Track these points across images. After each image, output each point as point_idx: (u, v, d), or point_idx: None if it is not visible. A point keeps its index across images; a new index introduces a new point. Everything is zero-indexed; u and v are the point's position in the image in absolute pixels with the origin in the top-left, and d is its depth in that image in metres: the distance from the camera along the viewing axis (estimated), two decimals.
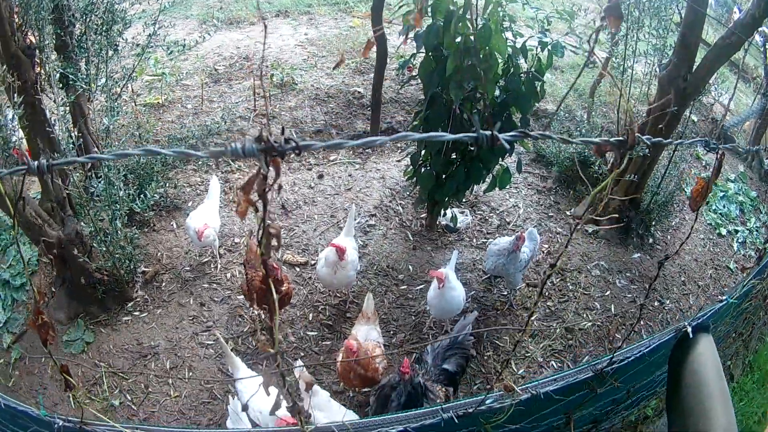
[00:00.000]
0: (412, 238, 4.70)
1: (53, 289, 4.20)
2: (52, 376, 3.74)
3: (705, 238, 5.71)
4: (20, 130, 3.62)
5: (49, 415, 1.80)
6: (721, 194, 6.29)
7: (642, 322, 4.50)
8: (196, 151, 0.99)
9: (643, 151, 4.50)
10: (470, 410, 1.86)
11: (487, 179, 4.19)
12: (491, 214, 5.05)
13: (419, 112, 4.13)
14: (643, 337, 4.27)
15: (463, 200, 4.68)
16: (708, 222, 5.84)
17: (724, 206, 6.17)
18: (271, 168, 0.81)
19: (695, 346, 2.00)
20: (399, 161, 5.24)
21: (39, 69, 3.62)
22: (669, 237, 5.34)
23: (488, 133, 1.01)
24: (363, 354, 3.21)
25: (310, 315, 4.11)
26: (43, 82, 3.73)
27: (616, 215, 4.95)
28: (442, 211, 4.53)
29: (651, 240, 5.17)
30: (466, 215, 4.92)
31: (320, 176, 5.16)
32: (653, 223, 5.16)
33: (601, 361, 2.04)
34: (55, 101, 3.79)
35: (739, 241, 5.81)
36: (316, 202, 4.95)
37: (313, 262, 4.39)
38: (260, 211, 0.84)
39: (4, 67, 3.19)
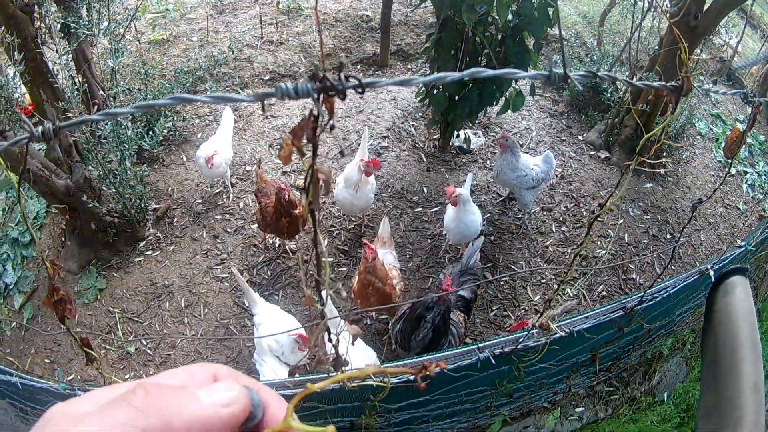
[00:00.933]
0: (425, 160, 4.66)
1: (63, 239, 4.18)
2: (66, 333, 3.75)
3: (715, 175, 5.70)
4: (23, 86, 3.55)
5: (69, 387, 1.82)
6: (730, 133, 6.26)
7: (656, 254, 4.50)
8: (227, 92, 0.90)
9: (654, 79, 4.45)
10: (507, 349, 1.87)
11: (500, 101, 4.15)
12: None
13: (431, 35, 4.07)
14: (655, 269, 4.28)
15: (476, 122, 4.64)
16: (718, 160, 5.82)
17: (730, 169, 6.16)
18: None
19: (732, 289, 1.95)
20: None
21: (39, 23, 3.55)
22: (680, 170, 5.33)
23: (561, 72, 0.95)
24: (381, 266, 3.17)
25: (325, 241, 4.09)
26: (43, 35, 3.67)
27: (628, 143, 4.93)
28: (455, 133, 4.49)
29: (663, 171, 5.16)
30: (479, 136, 4.89)
31: (332, 128, 5.05)
32: (664, 154, 5.14)
33: (631, 299, 2.07)
34: (57, 51, 3.72)
35: (748, 182, 5.80)
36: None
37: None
38: (308, 156, 0.76)
39: (2, 28, 3.13)
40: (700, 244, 4.85)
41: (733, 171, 5.88)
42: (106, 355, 3.70)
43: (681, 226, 4.82)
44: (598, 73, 1.15)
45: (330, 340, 1.22)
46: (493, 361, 1.83)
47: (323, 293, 1.04)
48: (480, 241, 3.54)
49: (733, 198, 5.56)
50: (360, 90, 0.73)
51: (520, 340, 1.88)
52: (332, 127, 0.74)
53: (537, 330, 1.87)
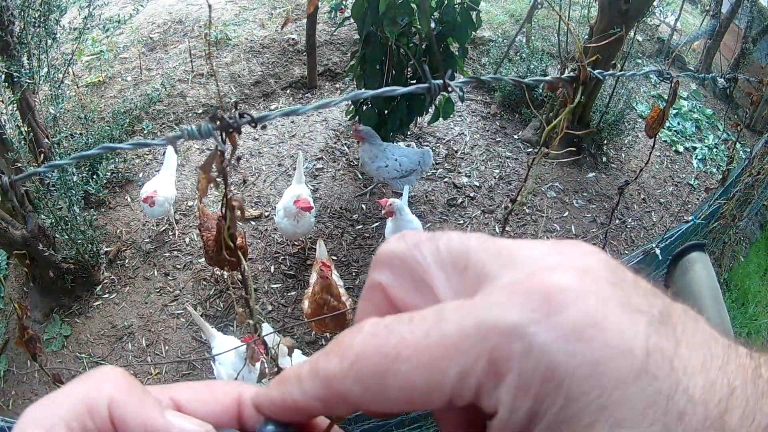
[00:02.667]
0: (361, 177, 4.70)
1: (25, 290, 4.17)
2: (40, 380, 3.71)
3: (662, 155, 5.78)
4: None
5: None
6: (674, 112, 6.34)
7: (605, 242, 4.56)
8: (149, 138, 0.99)
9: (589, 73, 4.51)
10: None
11: (429, 111, 4.19)
12: (438, 144, 5.05)
13: (356, 52, 4.11)
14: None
15: (408, 133, 4.68)
16: (663, 140, 5.90)
17: (678, 123, 6.23)
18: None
19: (691, 266, 1.92)
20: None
21: None
22: (623, 155, 5.40)
23: (439, 82, 1.01)
24: (334, 284, 3.19)
25: (272, 267, 4.12)
26: None
27: (566, 136, 4.98)
28: None
29: (605, 159, 5.22)
30: (413, 148, 4.90)
31: (263, 127, 5.11)
32: (605, 142, 5.20)
33: None
34: (2, 101, 3.76)
35: (698, 158, 5.88)
36: (262, 153, 4.93)
37: (266, 213, 4.39)
38: (221, 187, 0.86)
39: None
40: (652, 226, 4.91)
41: (680, 149, 5.97)
42: None
43: (625, 211, 4.89)
44: (482, 77, 1.20)
45: (268, 353, 1.27)
46: None
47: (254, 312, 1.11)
48: None
49: (684, 175, 5.64)
50: (254, 125, 0.83)
51: None
52: (239, 159, 0.84)
53: None
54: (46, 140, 4.16)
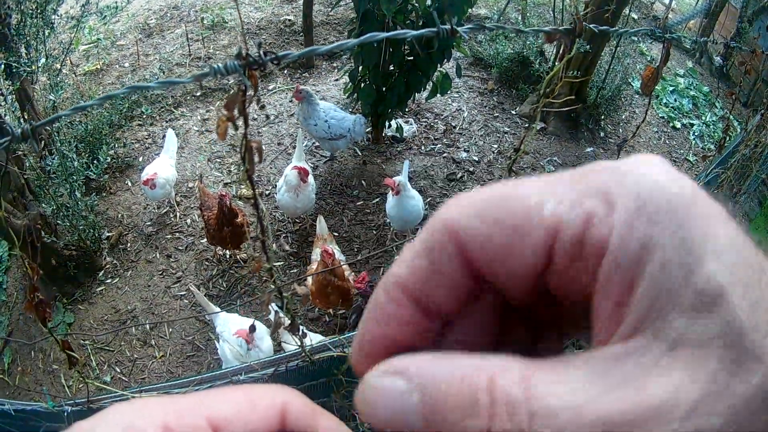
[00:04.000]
0: (361, 154, 4.73)
1: (27, 281, 4.20)
2: (44, 370, 3.74)
3: (659, 131, 5.79)
4: None
5: (57, 404, 1.84)
6: (671, 88, 6.36)
7: None
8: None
9: (584, 47, 4.53)
10: None
11: (427, 87, 4.22)
12: (436, 120, 5.08)
13: (352, 30, 4.12)
14: None
15: (406, 110, 4.71)
16: (660, 116, 5.91)
17: (675, 100, 6.25)
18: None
19: None
20: (337, 80, 5.24)
21: None
22: (620, 130, 5.42)
23: (447, 27, 1.05)
24: (338, 264, 3.20)
25: (273, 245, 4.13)
26: None
27: (564, 110, 5.00)
28: (387, 123, 4.55)
29: (602, 134, 5.25)
30: (411, 124, 4.95)
31: (262, 107, 5.07)
32: (602, 117, 5.22)
33: None
34: (2, 93, 3.79)
35: (696, 134, 5.89)
36: (261, 133, 4.94)
37: (267, 192, 4.41)
38: (241, 128, 0.87)
39: None
40: None
41: (678, 125, 5.98)
42: (84, 388, 3.72)
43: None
44: (486, 25, 1.23)
45: (281, 307, 1.30)
46: None
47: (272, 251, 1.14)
48: None
49: (682, 151, 5.66)
50: (276, 62, 0.86)
51: None
52: (258, 101, 0.86)
53: None
54: (46, 128, 4.19)
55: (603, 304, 0.26)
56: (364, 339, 0.31)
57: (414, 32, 1.15)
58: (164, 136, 4.47)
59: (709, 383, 0.23)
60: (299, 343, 1.59)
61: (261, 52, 0.82)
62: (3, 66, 3.82)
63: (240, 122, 0.87)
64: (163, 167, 4.14)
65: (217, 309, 3.41)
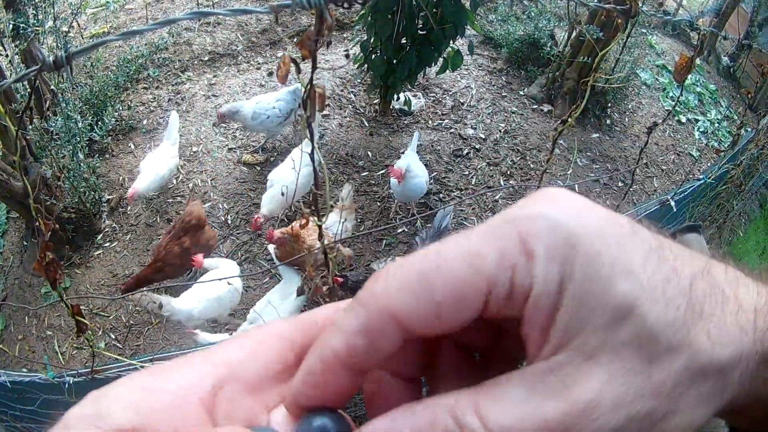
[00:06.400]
0: (367, 125, 4.71)
1: (25, 243, 4.16)
2: (37, 336, 3.72)
3: (665, 124, 5.79)
4: None
5: (58, 375, 1.78)
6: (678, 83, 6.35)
7: (608, 202, 4.58)
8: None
9: (597, 33, 4.54)
10: None
11: (438, 62, 4.20)
12: (444, 96, 5.06)
13: (367, 0, 4.09)
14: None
15: (416, 83, 4.70)
16: (666, 108, 5.91)
17: (681, 95, 6.25)
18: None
19: (686, 245, 1.97)
20: (347, 51, 5.23)
21: None
22: (627, 119, 5.42)
23: None
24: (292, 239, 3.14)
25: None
26: None
27: (571, 96, 5.01)
28: (396, 96, 4.54)
29: (609, 121, 5.24)
30: (419, 98, 4.94)
31: (270, 74, 5.10)
32: (609, 105, 5.23)
33: None
34: (7, 53, 3.81)
35: (701, 130, 5.90)
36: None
37: (272, 159, 4.38)
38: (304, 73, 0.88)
39: None
40: (653, 191, 4.94)
41: (683, 119, 5.99)
42: (78, 354, 3.70)
43: (628, 174, 4.90)
44: None
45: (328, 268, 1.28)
46: None
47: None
48: (450, 208, 3.66)
49: (686, 146, 5.66)
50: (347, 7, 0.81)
51: None
52: (329, 43, 0.84)
53: None
54: (53, 88, 4.17)
55: (531, 333, 0.31)
56: (300, 397, 0.33)
57: None
58: (168, 104, 4.45)
59: (629, 378, 0.29)
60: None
61: None
62: (11, 26, 3.82)
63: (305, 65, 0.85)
64: (163, 158, 4.07)
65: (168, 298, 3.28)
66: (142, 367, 1.76)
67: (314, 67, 0.86)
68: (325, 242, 3.27)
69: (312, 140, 1.04)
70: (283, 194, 3.48)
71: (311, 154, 1.06)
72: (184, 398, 0.31)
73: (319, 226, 1.25)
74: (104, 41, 0.91)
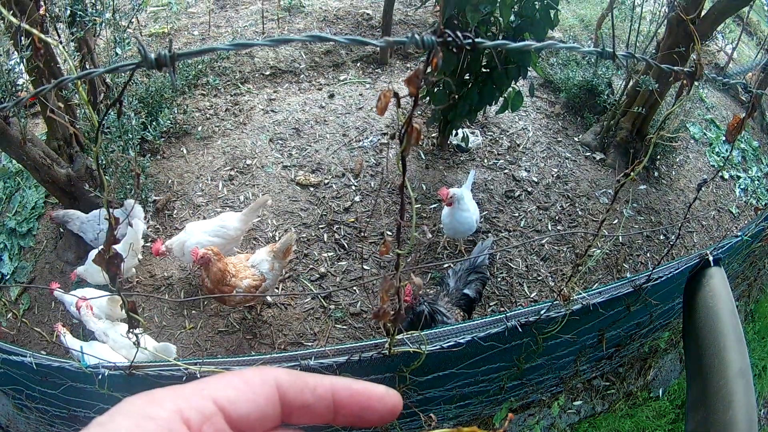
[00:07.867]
0: (424, 157, 4.72)
1: (60, 230, 4.17)
2: (64, 323, 3.71)
3: (708, 179, 5.76)
4: (26, 73, 3.56)
5: (93, 366, 1.76)
6: (723, 138, 6.34)
7: (649, 255, 4.57)
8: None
9: (652, 85, 4.55)
10: (531, 319, 1.96)
11: (499, 101, 4.22)
12: (501, 136, 5.07)
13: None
14: (649, 268, 4.35)
15: (474, 121, 4.70)
16: (711, 164, 5.90)
17: (726, 150, 6.22)
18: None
19: (709, 278, 2.00)
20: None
21: (43, 11, 3.59)
22: (674, 173, 5.40)
23: (611, 50, 1.08)
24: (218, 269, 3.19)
25: (325, 236, 4.12)
26: (47, 24, 3.70)
27: (623, 145, 5.01)
28: (454, 131, 4.55)
29: (656, 174, 5.23)
30: (477, 136, 4.95)
31: (331, 96, 5.13)
32: (658, 157, 5.22)
33: (640, 277, 2.15)
34: (62, 40, 3.76)
35: (741, 187, 5.88)
36: (327, 122, 4.93)
37: (326, 181, 4.40)
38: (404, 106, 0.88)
39: (11, 11, 3.13)
40: (692, 246, 4.92)
41: (726, 176, 5.96)
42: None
43: (679, 222, 4.88)
44: (636, 55, 1.28)
45: (398, 294, 1.30)
46: (519, 329, 1.91)
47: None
48: (489, 241, 3.63)
49: (726, 202, 5.64)
50: (471, 46, 0.83)
51: (543, 311, 1.97)
52: (429, 82, 0.86)
53: (558, 300, 1.96)
54: (108, 81, 4.19)
55: None
56: None
57: (583, 48, 1.14)
58: (225, 110, 4.38)
59: None
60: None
61: (458, 33, 0.81)
62: (69, 12, 3.82)
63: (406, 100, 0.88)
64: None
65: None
66: (186, 369, 1.75)
67: (416, 104, 0.88)
68: (253, 280, 3.26)
69: (404, 175, 1.07)
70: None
71: (401, 187, 1.09)
72: (174, 430, 0.36)
73: (398, 255, 1.25)
74: (212, 48, 0.89)
